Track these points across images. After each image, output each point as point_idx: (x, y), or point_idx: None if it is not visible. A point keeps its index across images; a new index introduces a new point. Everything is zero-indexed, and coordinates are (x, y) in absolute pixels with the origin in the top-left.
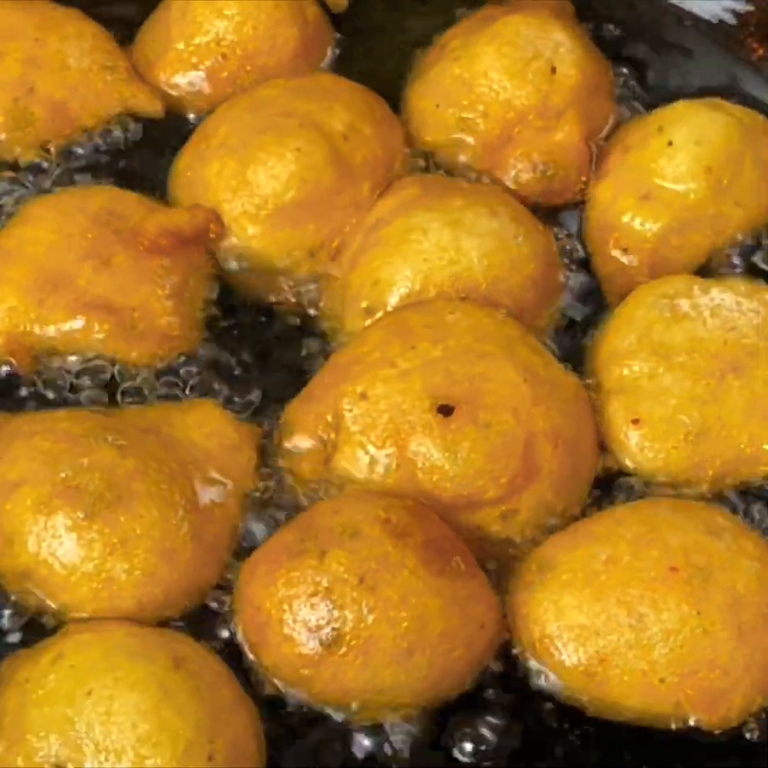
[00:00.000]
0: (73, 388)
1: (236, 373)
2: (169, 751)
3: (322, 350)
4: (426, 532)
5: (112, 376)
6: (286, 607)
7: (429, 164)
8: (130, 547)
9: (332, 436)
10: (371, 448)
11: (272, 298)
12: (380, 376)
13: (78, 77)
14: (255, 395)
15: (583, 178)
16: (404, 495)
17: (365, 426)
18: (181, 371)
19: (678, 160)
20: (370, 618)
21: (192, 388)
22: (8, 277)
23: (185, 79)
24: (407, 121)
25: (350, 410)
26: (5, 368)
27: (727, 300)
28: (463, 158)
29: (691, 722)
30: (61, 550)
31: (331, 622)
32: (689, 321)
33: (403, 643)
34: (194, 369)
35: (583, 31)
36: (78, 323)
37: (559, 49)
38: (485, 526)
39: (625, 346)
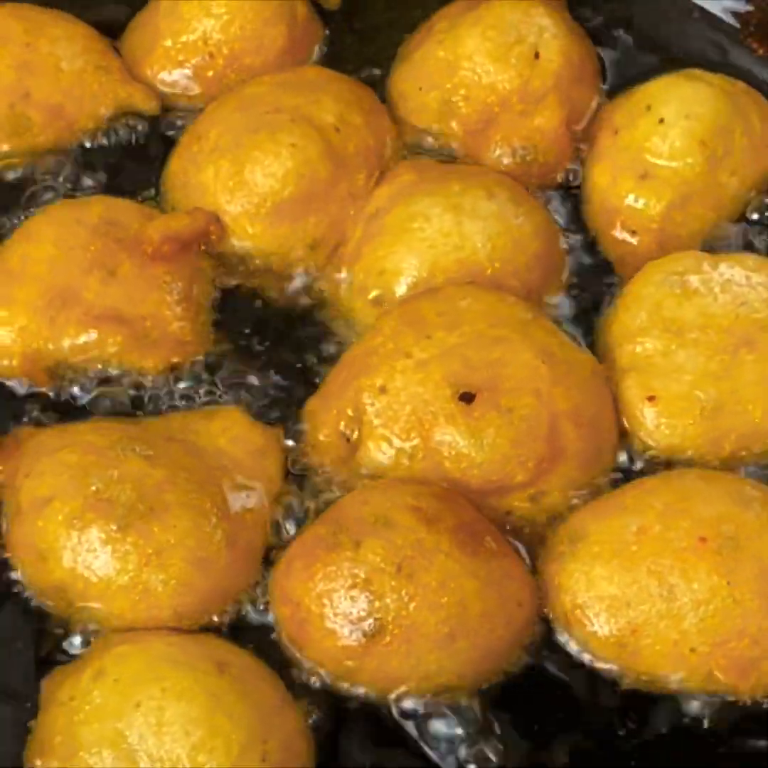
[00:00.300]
0: (92, 402)
1: (248, 373)
2: (224, 756)
3: (333, 344)
4: (456, 516)
5: (130, 387)
6: (326, 601)
7: (417, 148)
8: (165, 557)
9: (355, 430)
10: (396, 441)
11: (277, 296)
12: (398, 368)
13: (72, 79)
14: (270, 395)
15: (563, 164)
16: (432, 484)
17: (388, 419)
18: (194, 377)
19: (672, 137)
20: (412, 606)
21: (207, 393)
22: (15, 297)
23: (172, 77)
24: (391, 104)
25: (371, 404)
26: (24, 386)
27: (736, 275)
28: (445, 141)
29: (723, 691)
30: (96, 563)
31: (372, 612)
32: (700, 297)
33: (444, 627)
34: (206, 374)
35: (569, 16)
36: (91, 337)
37: (544, 34)
38: (514, 510)
39: (636, 324)
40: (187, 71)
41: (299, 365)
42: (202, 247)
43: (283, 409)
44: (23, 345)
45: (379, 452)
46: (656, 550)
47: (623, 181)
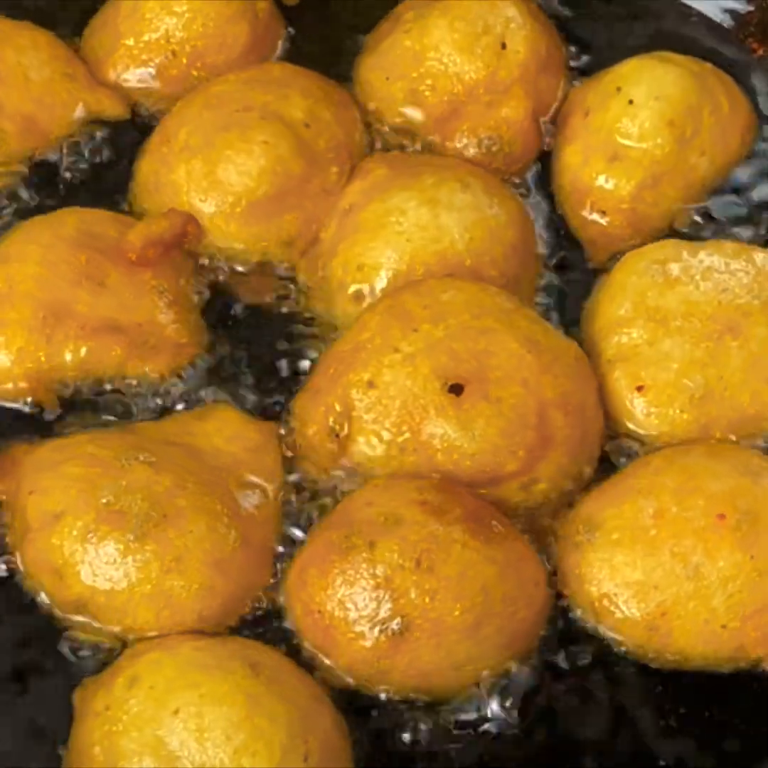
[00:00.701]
0: (93, 413)
1: (234, 372)
2: (266, 758)
3: (314, 340)
4: (462, 505)
5: (118, 394)
6: (350, 605)
7: (384, 140)
8: (185, 563)
9: (345, 426)
10: (386, 435)
11: (256, 293)
12: (386, 362)
13: (41, 88)
14: (256, 393)
15: (529, 155)
16: (429, 477)
17: (378, 414)
18: (180, 378)
19: (641, 118)
20: (437, 598)
21: (190, 393)
22: (8, 319)
23: (135, 76)
24: (357, 94)
25: (360, 400)
26: (25, 402)
27: (716, 262)
28: (411, 131)
29: (755, 665)
30: (117, 575)
31: (398, 611)
32: (682, 285)
33: (470, 616)
34: (193, 374)
35: (536, 7)
36: (90, 350)
37: (510, 24)
38: (506, 499)
39: (620, 314)
40: (151, 70)
41: (282, 362)
42: (183, 248)
43: (269, 406)
44: (24, 367)
45: (369, 447)
46: (676, 532)
47: (594, 162)
